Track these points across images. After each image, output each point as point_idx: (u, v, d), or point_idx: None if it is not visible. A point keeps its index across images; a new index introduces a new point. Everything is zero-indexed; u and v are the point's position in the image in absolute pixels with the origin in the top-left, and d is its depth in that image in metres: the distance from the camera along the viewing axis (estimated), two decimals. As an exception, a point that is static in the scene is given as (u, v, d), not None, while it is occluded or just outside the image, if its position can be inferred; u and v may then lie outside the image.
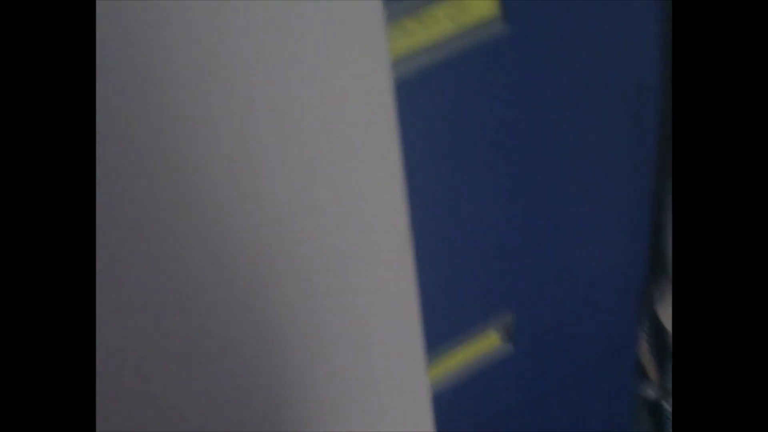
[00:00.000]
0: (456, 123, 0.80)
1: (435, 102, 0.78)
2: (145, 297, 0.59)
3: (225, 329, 0.63)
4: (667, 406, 1.21)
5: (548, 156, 0.86)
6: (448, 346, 0.92)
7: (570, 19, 0.80)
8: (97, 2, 0.47)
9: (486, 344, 0.95)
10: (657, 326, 1.20)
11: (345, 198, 0.62)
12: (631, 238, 1.01)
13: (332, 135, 0.60)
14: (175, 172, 0.54)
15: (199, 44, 0.52)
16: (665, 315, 1.08)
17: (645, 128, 0.92)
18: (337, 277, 0.65)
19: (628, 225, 1.00)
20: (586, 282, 1.00)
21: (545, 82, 0.83)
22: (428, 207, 0.79)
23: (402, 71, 0.73)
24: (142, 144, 0.52)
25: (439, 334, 0.88)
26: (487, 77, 0.79)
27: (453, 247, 0.85)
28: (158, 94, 0.52)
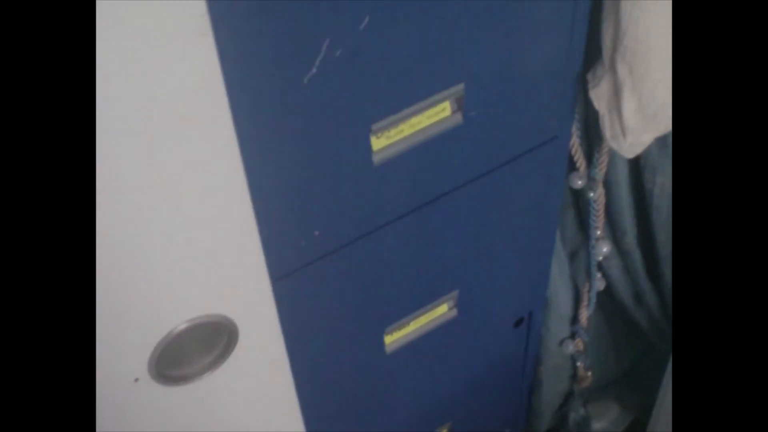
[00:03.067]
0: None
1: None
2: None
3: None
4: (592, 194, 1.21)
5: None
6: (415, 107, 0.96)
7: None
8: None
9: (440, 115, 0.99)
10: (587, 118, 1.15)
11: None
12: (570, 27, 1.01)
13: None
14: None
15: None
16: (597, 97, 1.04)
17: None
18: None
19: (567, 16, 0.99)
20: (528, 68, 1.02)
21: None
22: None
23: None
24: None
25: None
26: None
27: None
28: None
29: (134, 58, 0.59)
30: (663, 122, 1.02)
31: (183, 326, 0.74)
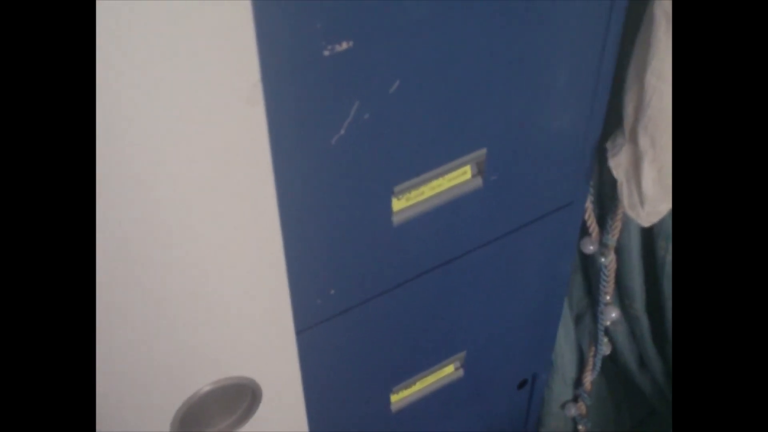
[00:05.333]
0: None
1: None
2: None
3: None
4: (603, 260, 1.21)
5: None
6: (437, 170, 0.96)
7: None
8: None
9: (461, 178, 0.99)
10: (600, 184, 1.16)
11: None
12: (592, 96, 1.02)
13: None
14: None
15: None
16: (616, 165, 1.04)
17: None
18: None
19: (589, 86, 1.01)
20: (549, 135, 1.03)
21: None
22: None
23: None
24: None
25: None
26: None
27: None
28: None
29: (192, 122, 0.59)
30: (680, 192, 1.02)
31: (207, 388, 0.74)
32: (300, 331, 0.96)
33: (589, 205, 1.17)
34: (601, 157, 1.08)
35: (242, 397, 0.78)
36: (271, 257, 0.73)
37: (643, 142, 0.97)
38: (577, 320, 1.41)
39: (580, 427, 1.56)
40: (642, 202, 1.03)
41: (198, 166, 0.62)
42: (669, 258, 1.19)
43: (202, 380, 0.74)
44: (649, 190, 1.01)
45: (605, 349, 1.39)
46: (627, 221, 1.18)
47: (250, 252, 0.71)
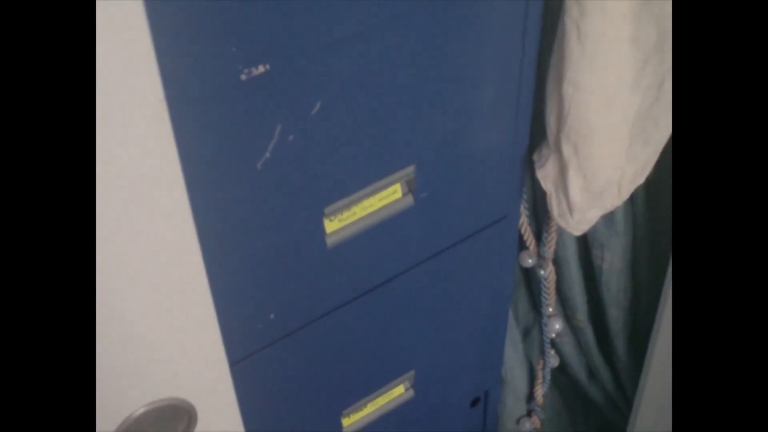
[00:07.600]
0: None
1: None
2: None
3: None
4: (542, 272, 1.23)
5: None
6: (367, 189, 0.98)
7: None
8: None
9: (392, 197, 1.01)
10: (535, 197, 1.18)
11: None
12: (515, 109, 1.04)
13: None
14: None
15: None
16: (543, 176, 1.06)
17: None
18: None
19: (512, 99, 1.03)
20: (476, 150, 1.05)
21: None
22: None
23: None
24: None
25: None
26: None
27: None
28: None
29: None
30: (609, 199, 1.05)
31: (142, 410, 0.74)
32: (241, 357, 0.96)
33: (524, 218, 1.19)
34: (532, 169, 1.10)
35: (178, 419, 0.79)
36: (193, 283, 0.74)
37: (567, 150, 1.00)
38: (525, 334, 1.43)
39: (535, 441, 1.57)
40: (571, 211, 1.06)
41: (107, 179, 0.63)
42: (606, 266, 1.22)
43: (136, 403, 0.74)
44: (576, 198, 1.04)
45: (553, 361, 1.41)
46: (562, 232, 1.21)
47: (170, 279, 0.72)
